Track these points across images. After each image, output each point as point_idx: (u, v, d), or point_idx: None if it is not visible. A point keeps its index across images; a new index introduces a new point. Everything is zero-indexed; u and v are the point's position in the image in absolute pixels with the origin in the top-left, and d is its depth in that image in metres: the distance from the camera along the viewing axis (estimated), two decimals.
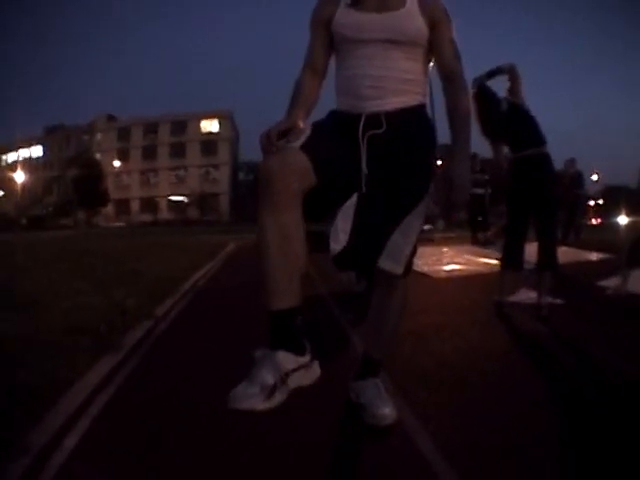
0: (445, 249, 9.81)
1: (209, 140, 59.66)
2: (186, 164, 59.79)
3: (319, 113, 2.00)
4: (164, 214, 56.27)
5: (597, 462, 1.71)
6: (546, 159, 3.95)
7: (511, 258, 4.09)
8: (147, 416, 2.13)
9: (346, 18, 1.87)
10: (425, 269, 6.64)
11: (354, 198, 1.83)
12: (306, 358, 1.59)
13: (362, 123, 1.84)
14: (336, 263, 1.84)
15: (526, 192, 3.95)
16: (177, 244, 13.07)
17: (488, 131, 4.06)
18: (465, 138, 1.89)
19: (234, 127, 62.88)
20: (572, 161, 11.77)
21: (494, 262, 6.77)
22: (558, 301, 4.29)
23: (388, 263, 1.88)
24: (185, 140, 59.92)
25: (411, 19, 1.84)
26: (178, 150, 59.79)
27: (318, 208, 1.79)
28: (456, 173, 1.84)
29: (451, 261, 7.86)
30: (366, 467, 1.72)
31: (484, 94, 3.99)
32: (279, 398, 1.47)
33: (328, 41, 1.96)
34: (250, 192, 51.96)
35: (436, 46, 1.90)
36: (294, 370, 1.54)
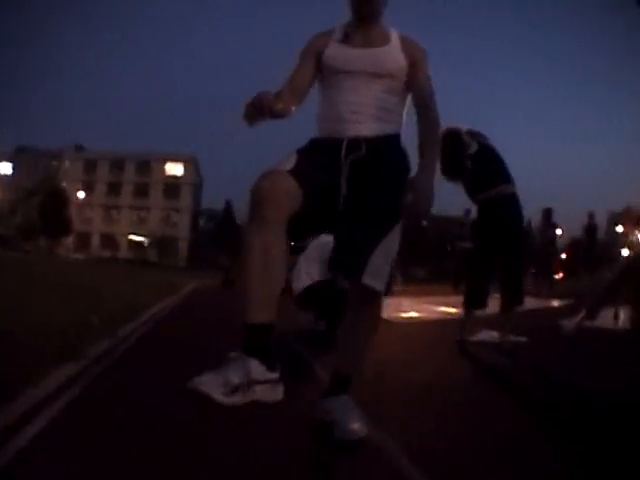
0: (404, 300, 9.93)
1: (173, 183, 59.47)
2: (149, 205, 59.29)
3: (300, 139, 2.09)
4: (124, 252, 55.14)
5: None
6: (513, 198, 4.07)
7: (475, 297, 4.11)
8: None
9: (336, 51, 2.07)
10: (385, 315, 6.62)
11: (317, 240, 1.91)
12: (275, 375, 1.66)
13: (344, 147, 1.97)
14: (300, 301, 1.91)
15: (494, 232, 4.00)
16: (139, 280, 12.77)
17: (454, 172, 4.13)
18: (432, 154, 2.04)
19: (198, 173, 62.92)
20: (548, 211, 12.17)
21: (453, 310, 6.92)
22: (521, 339, 4.34)
23: (370, 280, 1.93)
24: (149, 181, 59.54)
25: (393, 55, 2.06)
26: (142, 190, 59.33)
27: (299, 229, 1.88)
28: (420, 180, 1.95)
29: (410, 309, 7.99)
30: None
31: (453, 137, 4.02)
32: (237, 400, 1.54)
33: (314, 71, 2.13)
34: (210, 240, 51.59)
35: (413, 81, 2.09)
36: (261, 382, 1.60)
